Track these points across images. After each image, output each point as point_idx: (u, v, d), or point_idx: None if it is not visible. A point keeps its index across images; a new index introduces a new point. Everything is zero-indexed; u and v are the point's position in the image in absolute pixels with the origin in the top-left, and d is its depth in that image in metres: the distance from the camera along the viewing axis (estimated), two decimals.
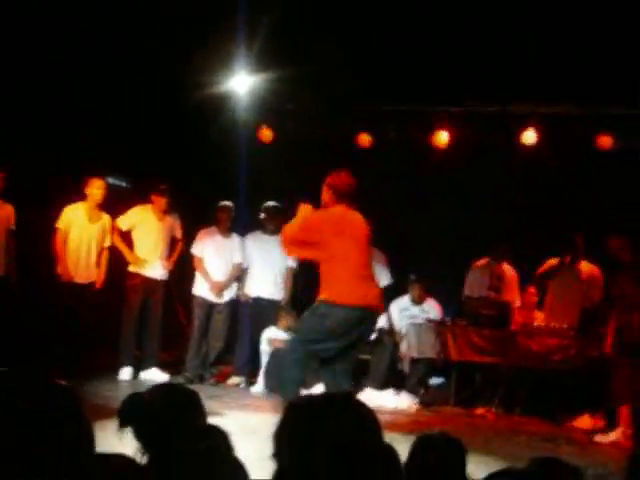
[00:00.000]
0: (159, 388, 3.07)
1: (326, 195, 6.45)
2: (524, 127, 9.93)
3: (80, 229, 8.83)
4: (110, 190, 9.17)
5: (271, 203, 9.47)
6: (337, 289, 6.26)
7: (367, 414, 2.19)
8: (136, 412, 2.85)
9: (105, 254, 9.01)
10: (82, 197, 8.88)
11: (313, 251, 6.42)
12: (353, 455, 2.07)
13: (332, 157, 10.59)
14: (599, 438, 7.52)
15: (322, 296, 6.32)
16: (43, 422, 2.18)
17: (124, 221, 9.11)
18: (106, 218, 8.98)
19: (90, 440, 2.28)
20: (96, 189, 8.82)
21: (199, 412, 2.90)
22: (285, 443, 2.16)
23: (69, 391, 2.31)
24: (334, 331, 6.25)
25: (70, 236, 8.80)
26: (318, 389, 7.75)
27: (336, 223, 6.32)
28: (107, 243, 9.00)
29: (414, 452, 3.16)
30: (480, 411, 8.52)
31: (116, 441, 2.85)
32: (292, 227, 6.43)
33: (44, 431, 2.17)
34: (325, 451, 2.06)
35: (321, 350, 6.33)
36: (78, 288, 8.78)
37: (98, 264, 8.97)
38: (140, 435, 2.80)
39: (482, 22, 8.41)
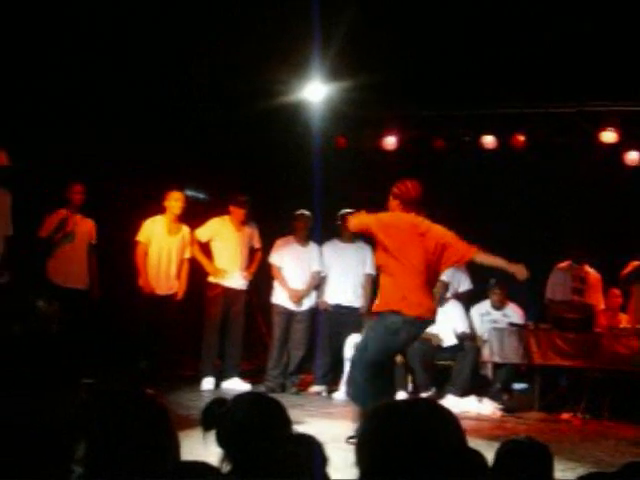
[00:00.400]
0: (244, 396, 3.08)
1: (392, 204, 6.49)
2: (602, 126, 9.75)
3: (160, 242, 8.95)
4: (188, 202, 9.27)
5: (348, 210, 9.44)
6: (412, 300, 6.26)
7: (450, 418, 2.16)
8: (219, 415, 2.87)
9: (185, 266, 9.11)
10: (161, 210, 9.00)
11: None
12: (437, 458, 2.04)
13: (408, 163, 10.63)
14: None
15: (395, 307, 6.29)
16: (134, 430, 2.22)
17: (203, 233, 9.20)
18: (185, 230, 9.08)
19: (176, 447, 2.31)
20: (174, 201, 8.92)
21: (283, 421, 2.89)
22: (368, 449, 2.14)
23: (157, 400, 2.35)
24: (405, 344, 6.29)
25: (150, 249, 8.92)
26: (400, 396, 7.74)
27: (406, 228, 6.33)
28: (187, 255, 9.10)
29: (500, 457, 3.10)
30: (566, 416, 8.37)
31: (200, 450, 2.87)
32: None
33: (134, 439, 2.21)
34: (409, 455, 2.04)
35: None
36: (159, 300, 8.90)
37: (178, 276, 9.08)
38: (223, 442, 2.81)
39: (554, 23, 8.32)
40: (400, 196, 6.46)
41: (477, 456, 2.36)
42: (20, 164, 7.95)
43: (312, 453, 2.65)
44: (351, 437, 6.18)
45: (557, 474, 3.17)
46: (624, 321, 8.82)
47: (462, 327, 9.17)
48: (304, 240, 9.47)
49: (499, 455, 3.11)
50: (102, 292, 8.86)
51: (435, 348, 9.04)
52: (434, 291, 6.62)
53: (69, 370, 6.59)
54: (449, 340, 9.05)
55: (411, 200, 6.43)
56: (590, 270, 9.25)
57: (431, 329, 9.08)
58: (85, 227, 8.76)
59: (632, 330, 8.41)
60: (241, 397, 3.05)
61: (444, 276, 9.21)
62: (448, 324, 9.15)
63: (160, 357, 8.90)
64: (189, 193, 9.99)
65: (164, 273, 8.98)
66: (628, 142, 9.79)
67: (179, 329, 9.38)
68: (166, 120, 9.55)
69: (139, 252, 8.89)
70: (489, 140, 10.20)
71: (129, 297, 9.07)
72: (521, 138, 10.09)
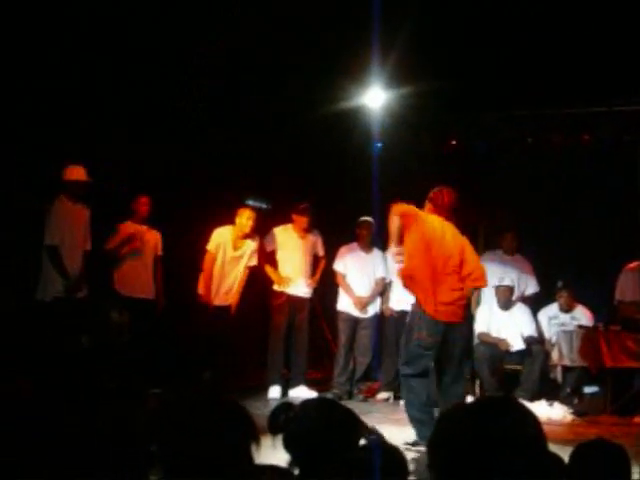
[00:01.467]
0: (311, 401, 3.07)
1: (426, 207, 6.91)
2: None
3: (224, 254, 8.99)
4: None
5: None
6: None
7: (526, 412, 2.14)
8: (286, 419, 2.87)
9: (243, 274, 9.13)
10: (230, 220, 9.04)
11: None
12: (512, 456, 2.01)
13: (468, 167, 10.58)
14: None
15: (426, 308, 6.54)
16: (218, 434, 2.26)
17: (267, 242, 9.24)
18: (250, 244, 9.09)
19: (250, 450, 2.34)
20: (246, 219, 8.95)
21: (351, 426, 2.88)
22: (441, 451, 2.12)
23: (238, 405, 2.39)
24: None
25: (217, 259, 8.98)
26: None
27: (435, 229, 6.68)
28: (252, 262, 9.11)
29: (575, 461, 3.05)
30: (639, 419, 8.20)
31: (269, 456, 2.88)
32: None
33: (218, 442, 2.25)
34: (483, 455, 2.01)
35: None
36: (217, 311, 8.95)
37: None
38: (290, 446, 2.81)
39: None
40: (433, 200, 6.89)
41: (556, 459, 2.32)
42: (97, 179, 8.13)
43: (389, 461, 2.63)
44: (410, 443, 6.22)
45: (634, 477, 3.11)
46: None
47: (529, 331, 9.08)
48: (368, 247, 9.45)
49: (574, 459, 3.05)
50: (167, 302, 8.94)
51: (503, 353, 8.96)
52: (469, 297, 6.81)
53: (138, 379, 6.68)
54: (517, 344, 8.96)
55: (443, 206, 6.83)
56: None
57: (499, 334, 9.05)
58: (152, 238, 8.86)
59: None
60: (308, 402, 3.05)
61: (508, 280, 9.13)
62: (515, 328, 9.07)
63: (224, 368, 8.93)
64: (251, 203, 10.03)
65: (225, 285, 9.02)
66: None
67: (243, 339, 9.41)
68: (227, 129, 9.62)
69: (208, 260, 8.96)
70: (554, 140, 10.10)
71: (192, 308, 9.13)
72: (586, 137, 9.96)
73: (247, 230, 8.98)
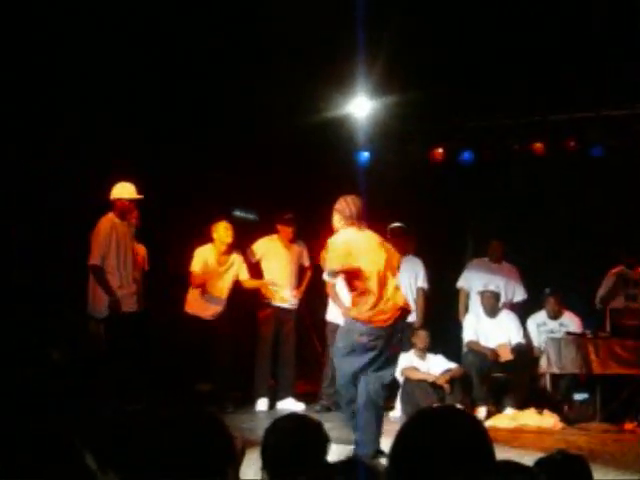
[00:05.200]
0: (278, 421, 3.02)
1: (334, 220, 6.81)
2: None
3: (211, 272, 8.92)
4: (238, 224, 9.25)
5: (397, 224, 9.37)
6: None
7: (474, 422, 2.14)
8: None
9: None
10: (209, 239, 8.98)
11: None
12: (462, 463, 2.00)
13: (456, 175, 10.55)
14: None
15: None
16: (188, 454, 2.20)
17: (252, 253, 9.17)
18: (236, 258, 9.03)
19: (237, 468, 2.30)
20: (224, 231, 8.90)
21: (319, 446, 2.83)
22: (397, 461, 2.10)
23: (219, 421, 2.34)
24: None
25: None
26: None
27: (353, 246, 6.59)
28: (242, 276, 9.05)
29: (537, 473, 2.98)
30: (629, 426, 8.15)
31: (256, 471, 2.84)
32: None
33: (188, 463, 2.20)
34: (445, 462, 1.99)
35: None
36: (206, 324, 8.88)
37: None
38: (266, 465, 2.77)
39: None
40: (341, 211, 6.76)
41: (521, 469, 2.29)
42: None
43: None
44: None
45: None
46: None
47: (517, 338, 9.03)
48: None
49: (535, 472, 2.98)
50: (152, 316, 8.86)
51: (491, 362, 8.91)
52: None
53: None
54: (506, 355, 8.90)
55: (352, 216, 6.71)
56: None
57: (487, 342, 9.00)
58: (140, 252, 8.77)
59: None
60: (277, 421, 2.99)
61: (492, 286, 9.09)
62: (503, 336, 9.02)
63: (217, 379, 8.86)
64: (238, 213, 9.97)
65: (214, 300, 8.97)
66: None
67: (231, 351, 9.33)
68: (212, 138, 9.58)
69: (195, 281, 8.89)
70: (539, 147, 10.08)
71: (179, 322, 9.07)
72: (572, 143, 9.94)
73: (229, 240, 8.90)
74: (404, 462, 2.08)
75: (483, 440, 2.10)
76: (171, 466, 2.20)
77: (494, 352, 8.90)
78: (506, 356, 8.91)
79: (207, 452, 2.28)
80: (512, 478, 2.24)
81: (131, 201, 8.08)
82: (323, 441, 2.85)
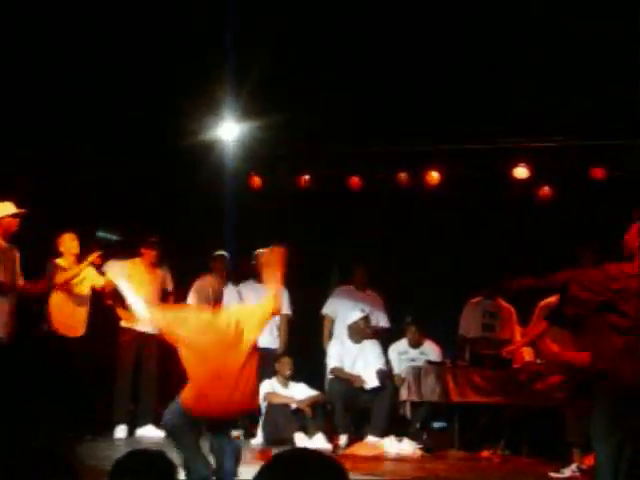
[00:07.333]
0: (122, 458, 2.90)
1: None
2: (515, 162, 9.87)
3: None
4: (101, 244, 9.04)
5: (262, 250, 9.34)
6: None
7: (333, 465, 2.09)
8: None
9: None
10: (59, 255, 8.77)
11: None
12: None
13: (323, 202, 10.59)
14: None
15: None
16: None
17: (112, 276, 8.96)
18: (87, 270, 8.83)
19: None
20: (70, 241, 8.73)
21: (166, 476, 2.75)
22: None
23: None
24: None
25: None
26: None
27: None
28: (98, 282, 8.81)
29: None
30: (486, 454, 8.31)
31: None
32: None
33: None
34: None
35: None
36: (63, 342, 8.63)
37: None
38: None
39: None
40: (200, 296, 6.33)
41: None
42: None
43: None
44: None
45: None
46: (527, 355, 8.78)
47: (379, 365, 9.03)
48: (222, 281, 9.31)
49: None
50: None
51: (356, 389, 8.91)
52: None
53: None
54: (371, 382, 8.92)
55: (210, 299, 6.31)
56: (504, 304, 9.26)
57: (352, 368, 9.00)
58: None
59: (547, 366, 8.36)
60: (119, 461, 2.88)
61: (358, 312, 9.10)
62: (367, 363, 9.05)
63: (73, 402, 8.58)
64: (101, 234, 9.75)
65: (73, 316, 8.73)
66: (540, 178, 9.94)
67: (91, 374, 9.09)
68: (77, 158, 9.35)
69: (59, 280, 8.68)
70: (403, 177, 10.23)
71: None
72: (435, 175, 10.14)
73: (75, 251, 8.74)
74: None
75: None
76: None
77: (359, 378, 8.92)
78: (372, 382, 8.92)
79: None
80: None
81: (15, 216, 7.96)
82: (169, 471, 2.77)
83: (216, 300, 6.21)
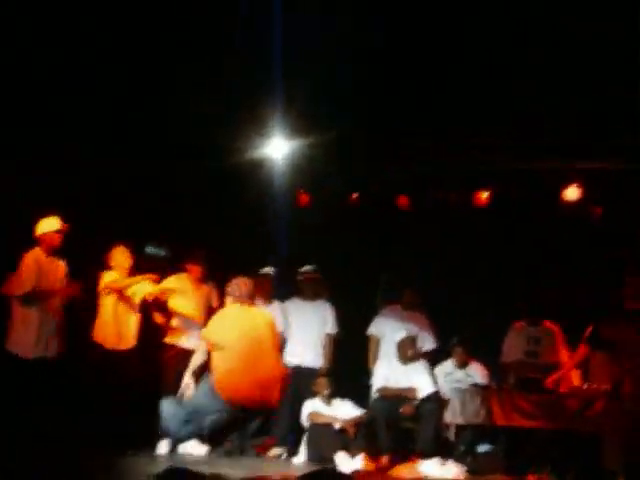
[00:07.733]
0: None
1: (226, 301, 8.41)
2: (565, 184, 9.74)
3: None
4: (149, 259, 9.13)
5: (309, 267, 9.33)
6: None
7: None
8: None
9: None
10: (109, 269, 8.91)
11: None
12: None
13: (372, 220, 10.55)
14: None
15: None
16: None
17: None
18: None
19: None
20: (120, 255, 8.88)
21: None
22: None
23: None
24: None
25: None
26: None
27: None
28: (147, 289, 8.95)
29: None
30: (532, 478, 8.16)
31: None
32: None
33: None
34: None
35: None
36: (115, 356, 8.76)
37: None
38: None
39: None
40: (232, 294, 8.37)
41: None
42: None
43: None
44: None
45: None
46: (575, 379, 8.63)
47: (429, 387, 8.94)
48: (268, 299, 9.33)
49: None
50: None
51: (399, 411, 8.80)
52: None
53: None
54: (424, 391, 8.80)
55: (241, 295, 8.31)
56: (549, 325, 9.11)
57: (398, 386, 8.88)
58: None
59: (594, 391, 8.21)
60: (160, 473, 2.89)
61: (404, 332, 9.04)
62: (414, 382, 8.95)
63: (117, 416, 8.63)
64: (150, 250, 9.83)
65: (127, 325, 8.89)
66: (592, 199, 9.79)
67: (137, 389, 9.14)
68: (126, 177, 9.44)
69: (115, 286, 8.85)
70: (452, 197, 10.16)
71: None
72: (484, 195, 10.04)
73: (128, 264, 8.93)
74: None
75: None
76: None
77: (410, 389, 8.82)
78: (423, 391, 8.81)
79: None
80: None
81: (58, 232, 8.24)
82: None
83: (249, 297, 7.84)
